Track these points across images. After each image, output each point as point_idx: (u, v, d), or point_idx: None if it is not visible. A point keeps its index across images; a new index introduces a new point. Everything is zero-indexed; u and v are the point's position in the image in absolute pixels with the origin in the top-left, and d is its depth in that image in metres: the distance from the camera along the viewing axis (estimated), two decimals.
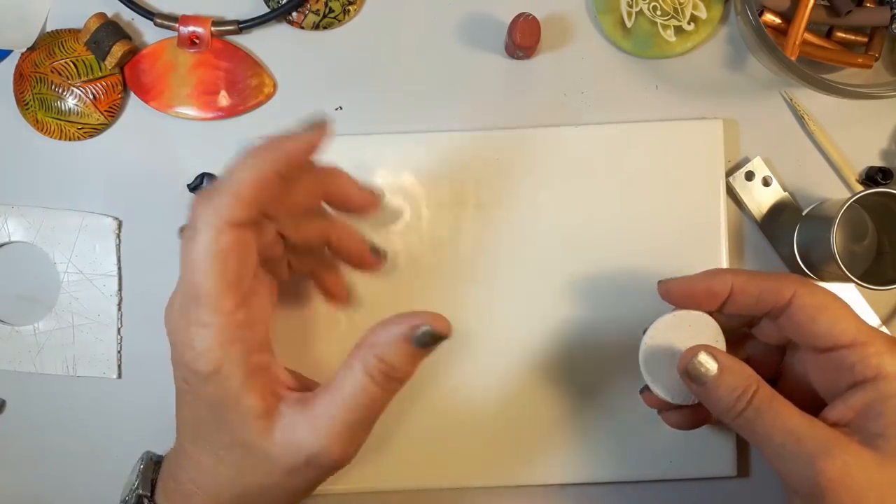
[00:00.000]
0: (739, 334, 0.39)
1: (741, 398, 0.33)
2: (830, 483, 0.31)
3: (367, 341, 0.32)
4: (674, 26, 0.46)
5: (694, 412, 0.39)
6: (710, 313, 0.37)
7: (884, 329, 0.46)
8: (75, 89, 0.46)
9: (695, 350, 0.34)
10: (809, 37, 0.45)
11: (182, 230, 0.33)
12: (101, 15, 0.45)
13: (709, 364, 0.34)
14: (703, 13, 0.46)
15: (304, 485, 0.33)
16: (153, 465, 0.36)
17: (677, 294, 0.37)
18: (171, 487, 0.34)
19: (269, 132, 0.46)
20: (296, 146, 0.32)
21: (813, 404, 0.34)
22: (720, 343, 0.37)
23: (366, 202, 0.38)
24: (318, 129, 0.33)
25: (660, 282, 0.38)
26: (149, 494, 0.35)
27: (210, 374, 0.31)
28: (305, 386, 0.35)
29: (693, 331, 0.36)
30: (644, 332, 0.37)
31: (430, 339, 0.32)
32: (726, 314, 0.37)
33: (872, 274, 0.45)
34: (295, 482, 0.32)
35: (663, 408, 0.39)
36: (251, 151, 0.32)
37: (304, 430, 0.31)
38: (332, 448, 0.31)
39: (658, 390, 0.37)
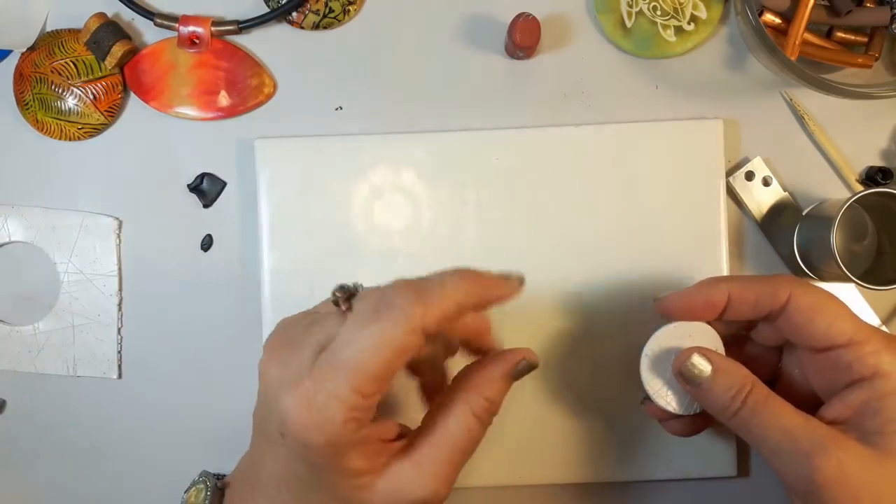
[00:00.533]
0: (738, 338, 0.40)
1: (736, 398, 0.33)
2: (826, 481, 0.31)
3: (468, 384, 0.34)
4: (674, 26, 0.46)
5: (695, 419, 0.39)
6: (709, 322, 0.37)
7: (883, 329, 0.46)
8: (75, 89, 0.46)
9: (688, 352, 0.35)
10: (809, 37, 0.45)
11: (342, 294, 0.32)
12: (101, 15, 0.45)
13: (702, 365, 0.34)
14: (703, 13, 0.46)
15: None
16: (220, 494, 0.34)
17: (675, 309, 0.37)
18: None
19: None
20: (494, 293, 0.33)
21: (811, 404, 0.34)
22: (719, 349, 0.37)
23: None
24: (515, 284, 0.34)
25: (655, 299, 0.38)
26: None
27: (321, 445, 0.30)
28: (402, 430, 0.34)
29: (692, 340, 0.37)
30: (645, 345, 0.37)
31: (526, 372, 0.35)
32: (725, 321, 0.37)
33: (872, 274, 0.45)
34: None
35: (665, 418, 0.39)
36: (462, 273, 0.32)
37: (409, 476, 0.32)
38: (437, 490, 0.32)
39: (660, 401, 0.37)
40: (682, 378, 0.35)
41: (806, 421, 0.33)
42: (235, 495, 0.34)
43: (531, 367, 0.35)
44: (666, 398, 0.37)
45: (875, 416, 0.32)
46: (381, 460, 0.32)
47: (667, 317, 0.38)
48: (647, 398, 0.38)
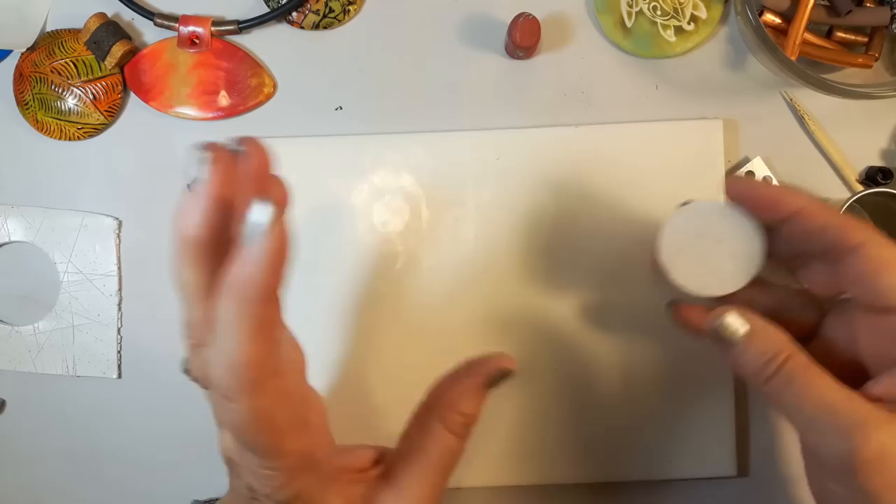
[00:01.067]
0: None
1: (770, 363, 0.31)
2: (865, 464, 0.28)
3: (441, 400, 0.32)
4: (674, 26, 0.46)
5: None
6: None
7: None
8: (75, 89, 0.46)
9: (724, 309, 0.32)
10: (809, 37, 0.45)
11: (189, 372, 0.30)
12: (101, 15, 0.45)
13: (736, 325, 0.31)
14: (703, 13, 0.46)
15: None
16: None
17: (739, 189, 0.34)
18: None
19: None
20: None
21: (851, 375, 0.32)
22: (756, 260, 0.33)
23: None
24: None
25: (731, 177, 0.34)
26: None
27: (290, 500, 0.29)
28: (377, 455, 0.33)
29: (734, 229, 0.33)
30: (682, 205, 0.34)
31: (502, 380, 0.32)
32: (785, 236, 0.33)
33: None
34: None
35: (679, 301, 0.36)
36: None
37: None
38: None
39: (679, 278, 0.34)
40: (715, 337, 0.32)
41: (848, 396, 0.30)
42: None
43: (506, 375, 0.32)
44: (680, 272, 0.34)
45: None
46: (358, 492, 0.31)
47: (730, 195, 0.34)
48: (655, 263, 0.34)
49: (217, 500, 0.35)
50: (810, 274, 0.35)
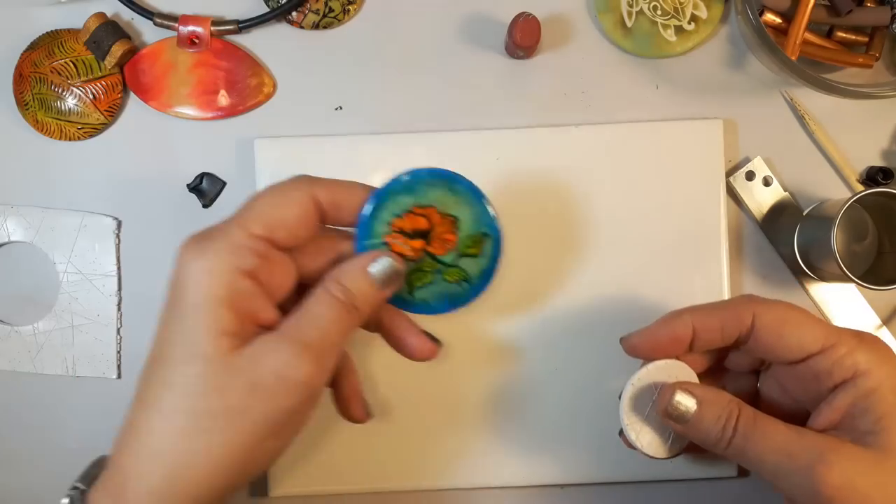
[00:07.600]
0: (714, 371, 0.39)
1: (727, 427, 0.33)
2: (834, 492, 0.31)
3: (331, 273, 0.34)
4: (674, 26, 0.46)
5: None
6: (681, 356, 0.37)
7: (884, 330, 0.46)
8: (75, 89, 0.46)
9: (670, 390, 0.34)
10: (810, 36, 0.45)
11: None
12: (101, 15, 0.45)
13: (686, 402, 0.34)
14: (703, 13, 0.46)
15: (273, 411, 0.32)
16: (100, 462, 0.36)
17: (642, 347, 0.37)
18: (110, 479, 0.35)
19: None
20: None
21: (796, 421, 0.34)
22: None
23: (422, 352, 0.37)
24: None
25: (622, 339, 0.37)
26: (83, 487, 0.35)
27: (203, 281, 0.33)
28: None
29: (667, 380, 0.36)
30: (620, 395, 0.37)
31: (391, 274, 0.34)
32: (700, 353, 0.37)
33: (872, 274, 0.45)
34: (263, 404, 0.31)
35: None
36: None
37: (272, 347, 0.32)
38: (300, 363, 0.32)
39: (645, 449, 0.36)
40: (669, 418, 0.34)
41: (799, 434, 0.33)
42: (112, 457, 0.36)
43: (395, 270, 0.34)
44: (645, 443, 0.36)
45: (865, 415, 0.32)
46: (248, 325, 0.32)
47: (634, 355, 0.37)
48: (621, 432, 0.37)
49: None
50: (731, 360, 0.38)
